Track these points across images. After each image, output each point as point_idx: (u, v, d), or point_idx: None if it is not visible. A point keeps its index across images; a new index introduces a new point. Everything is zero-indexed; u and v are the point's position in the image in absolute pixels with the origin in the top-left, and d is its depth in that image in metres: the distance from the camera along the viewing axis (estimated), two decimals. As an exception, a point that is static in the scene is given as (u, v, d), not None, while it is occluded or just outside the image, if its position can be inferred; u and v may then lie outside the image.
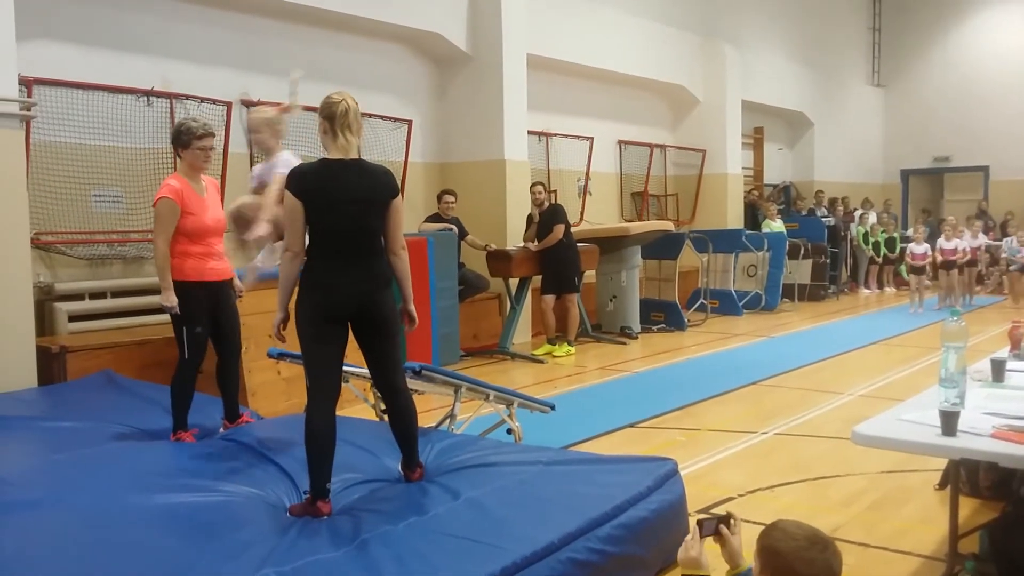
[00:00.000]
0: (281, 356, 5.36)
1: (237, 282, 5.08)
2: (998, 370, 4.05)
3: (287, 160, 4.48)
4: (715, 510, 4.37)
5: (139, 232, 7.32)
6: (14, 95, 6.03)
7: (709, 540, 2.51)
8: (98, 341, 6.61)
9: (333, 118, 3.65)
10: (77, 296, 6.98)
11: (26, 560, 3.05)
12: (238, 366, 5.13)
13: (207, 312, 4.80)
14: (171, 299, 4.65)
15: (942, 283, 13.19)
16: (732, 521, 2.53)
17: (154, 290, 4.89)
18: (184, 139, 4.75)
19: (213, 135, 4.89)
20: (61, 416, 5.12)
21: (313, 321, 3.63)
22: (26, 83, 6.37)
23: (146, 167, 7.38)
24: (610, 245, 10.33)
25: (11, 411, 5.23)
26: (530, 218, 9.56)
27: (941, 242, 13.13)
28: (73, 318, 6.85)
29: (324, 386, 3.67)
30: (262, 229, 4.30)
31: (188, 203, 4.69)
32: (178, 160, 5.04)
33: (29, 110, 6.26)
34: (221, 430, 5.01)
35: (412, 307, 3.89)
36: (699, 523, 2.52)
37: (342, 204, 3.61)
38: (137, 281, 7.33)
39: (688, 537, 2.49)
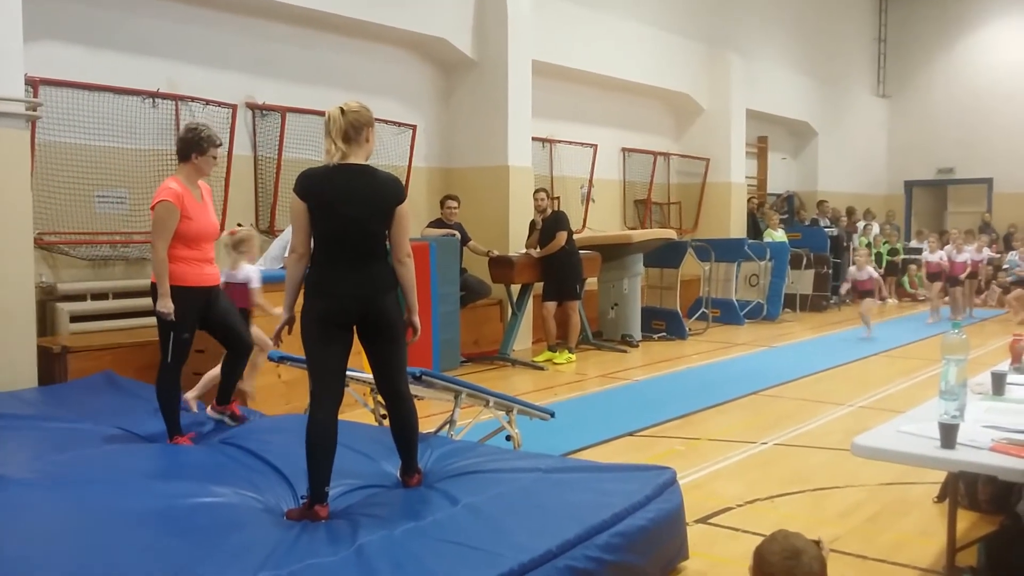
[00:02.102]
0: (282, 359, 5.36)
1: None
2: (998, 383, 4.05)
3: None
4: (715, 520, 4.37)
5: (142, 234, 7.33)
6: (20, 95, 6.06)
7: None
8: (99, 342, 6.63)
9: (325, 127, 3.70)
10: (79, 297, 7.00)
11: (25, 561, 3.05)
12: (244, 362, 5.18)
13: (197, 318, 4.80)
14: (168, 305, 4.61)
15: (930, 295, 13.15)
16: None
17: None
18: (204, 145, 4.75)
19: (221, 144, 4.97)
20: (61, 416, 5.13)
21: (316, 325, 3.64)
22: (32, 83, 6.40)
23: (150, 169, 7.39)
24: (612, 253, 10.33)
25: (11, 410, 5.24)
26: (532, 224, 9.56)
27: (926, 255, 13.10)
28: (75, 318, 6.86)
29: (326, 389, 3.67)
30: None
31: (188, 207, 4.67)
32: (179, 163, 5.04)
33: (35, 110, 6.29)
34: (207, 410, 5.13)
35: (416, 318, 3.87)
36: None
37: (343, 208, 3.62)
38: (139, 283, 7.32)
39: None
